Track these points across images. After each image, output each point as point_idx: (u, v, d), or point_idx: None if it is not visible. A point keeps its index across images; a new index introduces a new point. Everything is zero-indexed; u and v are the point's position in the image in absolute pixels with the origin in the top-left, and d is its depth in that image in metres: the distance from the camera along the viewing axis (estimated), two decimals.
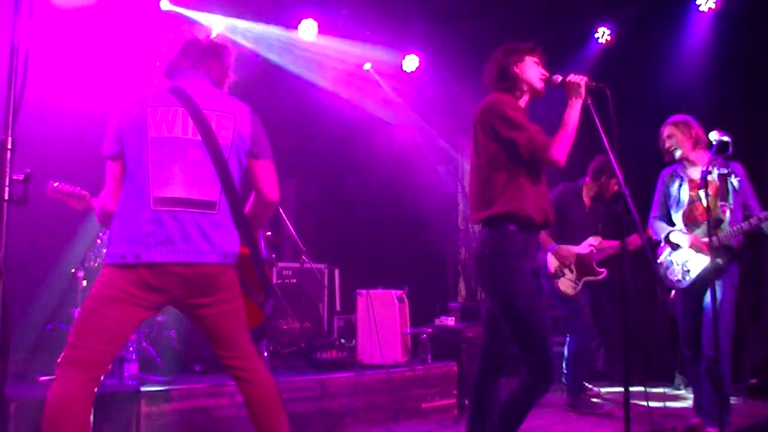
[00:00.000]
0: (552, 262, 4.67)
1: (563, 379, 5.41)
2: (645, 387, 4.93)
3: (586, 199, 4.86)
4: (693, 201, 3.84)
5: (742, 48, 5.74)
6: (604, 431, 4.04)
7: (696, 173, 3.83)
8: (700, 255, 3.75)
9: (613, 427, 4.12)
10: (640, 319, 6.15)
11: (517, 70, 2.74)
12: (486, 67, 2.84)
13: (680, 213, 3.89)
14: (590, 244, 4.77)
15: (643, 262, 6.04)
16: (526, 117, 2.66)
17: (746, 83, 5.75)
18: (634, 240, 4.53)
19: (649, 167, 6.30)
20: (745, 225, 3.67)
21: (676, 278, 3.88)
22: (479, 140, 2.70)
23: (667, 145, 3.90)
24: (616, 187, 4.81)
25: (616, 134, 2.55)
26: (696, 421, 3.87)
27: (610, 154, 2.60)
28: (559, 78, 2.70)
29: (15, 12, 1.94)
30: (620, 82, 6.34)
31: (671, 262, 3.91)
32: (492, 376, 2.81)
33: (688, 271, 3.81)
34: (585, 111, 2.63)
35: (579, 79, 2.63)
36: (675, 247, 3.88)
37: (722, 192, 3.76)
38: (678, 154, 3.87)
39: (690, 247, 3.79)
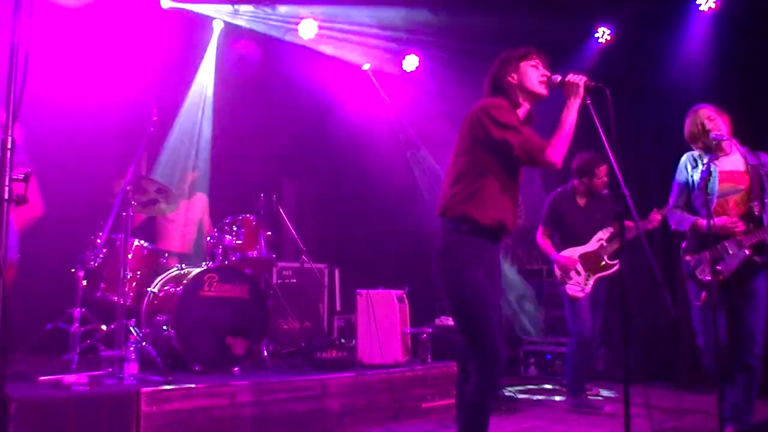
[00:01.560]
0: (556, 270, 4.70)
1: (564, 380, 5.43)
2: (645, 386, 4.93)
3: (580, 200, 4.87)
4: (722, 194, 3.63)
5: (742, 48, 5.74)
6: (604, 431, 4.04)
7: (727, 163, 3.66)
8: (733, 253, 3.54)
9: (613, 427, 4.12)
10: (640, 319, 6.14)
11: (513, 80, 2.71)
12: (485, 79, 2.82)
13: (711, 207, 3.55)
14: (599, 238, 4.77)
15: (643, 262, 6.05)
16: (521, 123, 2.64)
17: (746, 83, 5.75)
18: (654, 218, 4.51)
19: (649, 167, 6.31)
20: None
21: (707, 277, 3.61)
22: (463, 136, 2.70)
23: (710, 126, 3.64)
24: (605, 179, 4.78)
25: (615, 134, 2.55)
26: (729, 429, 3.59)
27: (610, 154, 2.59)
28: (558, 78, 2.68)
29: (15, 12, 1.94)
30: (620, 82, 6.34)
31: (700, 260, 3.67)
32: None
33: (721, 270, 3.56)
34: (584, 111, 2.62)
35: (578, 79, 2.62)
36: (704, 236, 3.56)
37: (755, 186, 3.60)
38: (718, 137, 3.60)
39: (721, 229, 3.51)
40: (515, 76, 2.71)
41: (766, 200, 3.60)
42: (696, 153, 3.81)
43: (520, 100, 2.72)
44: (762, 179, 3.63)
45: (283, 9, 6.15)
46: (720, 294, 3.60)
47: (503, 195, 2.65)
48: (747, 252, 3.53)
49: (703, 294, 3.67)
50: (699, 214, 3.71)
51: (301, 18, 6.25)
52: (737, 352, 3.54)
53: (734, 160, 3.69)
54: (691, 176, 3.76)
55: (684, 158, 3.86)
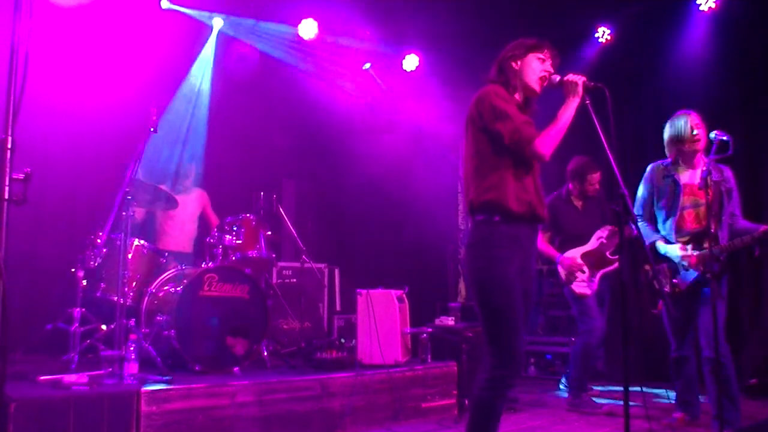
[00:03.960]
0: (561, 271, 4.71)
1: (563, 379, 5.42)
2: (643, 387, 4.94)
3: (577, 202, 4.92)
4: (684, 208, 3.75)
5: (742, 48, 5.74)
6: (604, 431, 4.04)
7: (691, 177, 3.75)
8: (688, 269, 3.71)
9: (612, 426, 4.12)
10: (640, 319, 6.14)
11: (515, 67, 2.72)
12: (493, 62, 2.84)
13: (672, 220, 3.78)
14: (599, 237, 4.79)
15: (643, 262, 6.04)
16: (518, 109, 2.64)
17: (746, 83, 5.75)
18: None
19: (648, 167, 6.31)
20: (737, 242, 3.60)
21: (665, 288, 3.79)
22: (469, 131, 2.71)
23: (696, 132, 3.70)
24: (597, 186, 4.86)
25: (614, 134, 2.54)
26: (678, 415, 3.95)
27: (609, 154, 2.59)
28: (558, 77, 2.69)
29: (15, 12, 1.94)
30: (620, 82, 6.34)
31: (658, 271, 3.83)
32: None
33: (678, 283, 3.75)
34: (583, 111, 2.62)
35: (577, 79, 2.62)
36: (662, 257, 3.80)
37: (715, 201, 3.66)
38: (699, 147, 3.70)
39: (676, 260, 3.74)
40: (519, 63, 2.73)
41: (723, 218, 3.68)
42: (664, 164, 3.89)
43: (517, 86, 2.74)
44: (722, 196, 3.68)
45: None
46: (678, 302, 3.78)
47: (524, 180, 2.64)
48: (701, 269, 3.64)
49: (660, 303, 3.84)
50: (664, 227, 3.85)
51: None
52: (704, 353, 3.64)
53: (698, 174, 3.72)
54: (659, 188, 3.85)
55: (649, 169, 3.94)
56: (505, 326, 2.55)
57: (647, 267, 3.88)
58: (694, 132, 3.72)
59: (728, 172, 3.77)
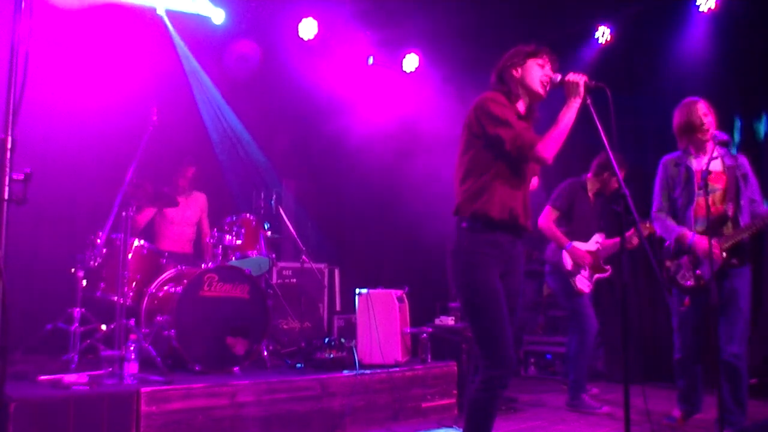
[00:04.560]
0: (568, 260, 4.68)
1: (564, 379, 5.43)
2: (644, 386, 4.94)
3: (591, 195, 4.86)
4: (699, 195, 3.69)
5: (742, 48, 5.74)
6: (604, 431, 4.04)
7: (701, 164, 3.72)
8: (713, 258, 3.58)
9: (612, 427, 4.12)
10: (640, 319, 6.14)
11: (516, 74, 2.72)
12: (492, 70, 2.84)
13: (689, 208, 3.73)
14: (596, 241, 4.80)
15: (642, 262, 6.05)
16: (516, 116, 2.64)
17: (746, 83, 5.75)
18: (632, 237, 4.51)
19: (649, 167, 6.29)
20: (758, 221, 3.55)
21: (688, 282, 3.74)
22: (464, 136, 2.72)
23: (706, 123, 3.70)
24: (617, 185, 4.82)
25: (615, 134, 2.54)
26: (678, 415, 3.94)
27: (610, 154, 2.60)
28: (558, 77, 2.68)
29: (15, 12, 1.94)
30: (620, 82, 6.34)
31: (680, 266, 3.78)
32: None
33: (701, 275, 3.68)
34: (585, 110, 2.62)
35: (578, 79, 2.62)
36: (686, 251, 3.73)
37: (731, 186, 3.65)
38: (709, 135, 3.66)
39: (701, 253, 3.63)
40: (519, 71, 2.73)
41: (741, 202, 3.65)
42: (675, 155, 3.87)
43: (520, 94, 2.74)
44: (738, 181, 3.67)
45: None
46: (700, 297, 3.72)
47: (511, 189, 2.65)
48: (724, 255, 3.57)
49: (686, 299, 3.78)
50: (679, 216, 3.80)
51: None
52: (717, 352, 3.59)
53: (704, 162, 3.70)
54: (674, 178, 3.83)
55: (661, 164, 3.93)
56: (491, 328, 2.57)
57: (667, 263, 3.83)
58: (704, 121, 3.71)
59: (742, 158, 3.75)
